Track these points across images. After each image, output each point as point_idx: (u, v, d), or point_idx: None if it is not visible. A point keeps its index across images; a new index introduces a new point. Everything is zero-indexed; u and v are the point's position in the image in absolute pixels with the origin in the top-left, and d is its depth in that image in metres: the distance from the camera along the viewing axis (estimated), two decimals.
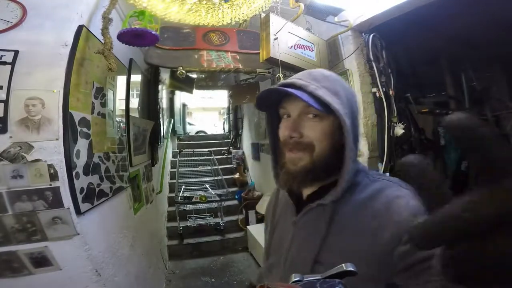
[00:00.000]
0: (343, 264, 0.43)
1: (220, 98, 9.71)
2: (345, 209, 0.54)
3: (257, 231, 3.23)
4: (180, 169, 4.33)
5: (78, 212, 1.19)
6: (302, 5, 1.57)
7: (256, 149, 4.26)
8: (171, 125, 5.28)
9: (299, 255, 0.58)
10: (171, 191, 4.26)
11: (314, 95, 0.52)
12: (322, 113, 0.53)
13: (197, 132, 9.10)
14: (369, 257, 0.49)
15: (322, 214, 0.56)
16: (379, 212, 0.51)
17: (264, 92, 0.59)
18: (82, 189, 1.24)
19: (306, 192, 0.61)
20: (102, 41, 1.25)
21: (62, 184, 1.14)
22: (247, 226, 3.44)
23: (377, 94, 1.92)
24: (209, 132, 9.12)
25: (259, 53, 1.66)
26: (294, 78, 0.57)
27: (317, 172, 0.56)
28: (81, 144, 1.27)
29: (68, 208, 1.15)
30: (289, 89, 0.53)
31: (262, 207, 3.29)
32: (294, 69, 1.77)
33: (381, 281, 0.49)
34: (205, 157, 4.87)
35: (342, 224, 0.54)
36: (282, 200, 0.71)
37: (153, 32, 1.31)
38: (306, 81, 0.55)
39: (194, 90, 2.83)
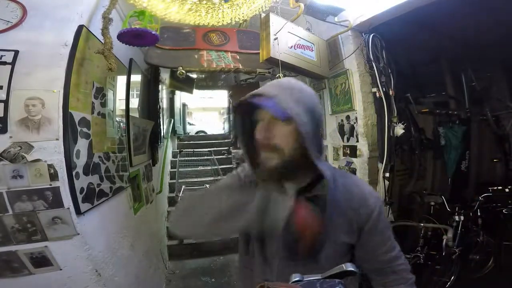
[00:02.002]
0: (343, 264, 0.43)
1: (220, 98, 9.72)
2: (329, 200, 0.64)
3: None
4: (180, 169, 4.32)
5: (78, 212, 1.19)
6: (302, 5, 1.57)
7: None
8: (171, 125, 5.28)
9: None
10: (171, 191, 4.25)
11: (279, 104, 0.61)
12: (287, 119, 0.62)
13: (197, 132, 9.10)
14: (348, 230, 0.69)
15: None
16: (352, 199, 0.69)
17: (239, 102, 0.69)
18: (82, 189, 1.24)
19: (294, 187, 0.68)
20: (102, 41, 1.25)
21: (62, 184, 1.14)
22: None
23: (377, 94, 1.92)
24: (209, 132, 9.12)
25: (259, 53, 1.66)
26: (264, 89, 0.66)
27: (288, 169, 0.65)
28: (81, 144, 1.27)
29: (68, 208, 1.15)
30: (257, 101, 0.64)
31: None
32: (294, 69, 1.77)
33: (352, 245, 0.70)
34: (205, 157, 4.87)
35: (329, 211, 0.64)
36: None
37: (153, 32, 1.31)
38: (273, 92, 0.63)
39: (194, 90, 2.83)
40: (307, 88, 0.69)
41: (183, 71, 1.78)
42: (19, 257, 1.13)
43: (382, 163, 1.95)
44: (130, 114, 1.95)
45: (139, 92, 2.29)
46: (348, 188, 0.70)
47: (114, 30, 1.28)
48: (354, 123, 1.98)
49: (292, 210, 0.61)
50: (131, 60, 2.00)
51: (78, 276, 1.24)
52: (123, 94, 1.88)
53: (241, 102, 0.68)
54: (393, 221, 2.09)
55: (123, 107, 1.90)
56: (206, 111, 13.91)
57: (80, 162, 1.26)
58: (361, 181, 0.79)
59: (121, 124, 1.84)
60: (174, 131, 5.66)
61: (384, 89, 1.93)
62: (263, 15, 1.59)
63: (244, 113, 0.72)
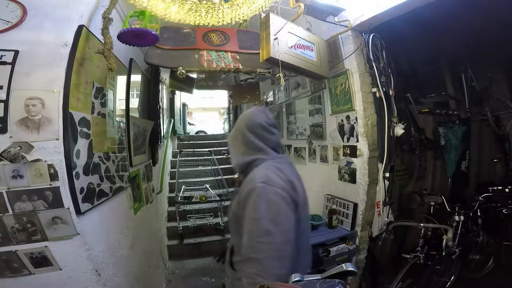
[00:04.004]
0: (343, 264, 0.43)
1: (220, 98, 9.72)
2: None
3: None
4: (180, 169, 4.32)
5: (78, 212, 1.19)
6: (302, 5, 1.57)
7: None
8: (171, 125, 5.27)
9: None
10: (171, 191, 4.25)
11: None
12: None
13: (197, 132, 9.10)
14: (237, 202, 0.93)
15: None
16: (247, 181, 0.94)
17: None
18: (82, 189, 1.24)
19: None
20: (102, 41, 1.25)
21: (62, 184, 1.14)
22: None
23: (377, 94, 1.92)
24: (209, 132, 9.12)
25: (259, 53, 1.66)
26: None
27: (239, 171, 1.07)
28: (81, 144, 1.27)
29: (68, 208, 1.15)
30: None
31: None
32: (294, 69, 1.77)
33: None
34: (205, 157, 4.86)
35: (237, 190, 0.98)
36: None
37: (153, 32, 1.31)
38: None
39: (194, 90, 2.83)
40: (246, 112, 1.12)
41: (183, 71, 1.78)
42: (19, 257, 1.13)
43: (382, 163, 1.95)
44: (130, 114, 1.95)
45: (139, 92, 2.29)
46: (251, 174, 0.95)
47: (114, 30, 1.28)
48: (354, 123, 1.98)
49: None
50: (131, 60, 2.00)
51: (78, 276, 1.24)
52: (123, 94, 1.88)
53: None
54: (393, 221, 2.09)
55: (123, 107, 1.90)
56: (206, 111, 13.91)
57: (80, 162, 1.26)
58: (263, 169, 0.93)
59: (121, 124, 1.84)
60: (174, 131, 5.66)
61: (384, 89, 1.93)
62: (263, 15, 1.59)
63: None
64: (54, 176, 1.12)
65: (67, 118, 1.16)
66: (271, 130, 1.05)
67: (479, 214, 2.37)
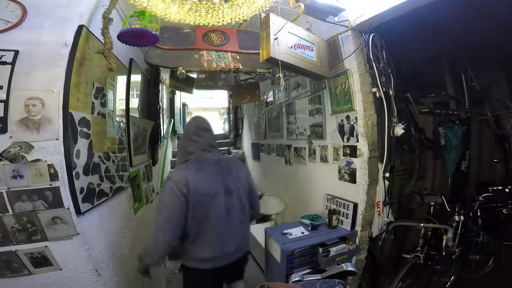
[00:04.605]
0: (343, 264, 0.43)
1: (220, 98, 9.71)
2: None
3: (257, 231, 3.23)
4: None
5: (78, 212, 1.19)
6: (302, 5, 1.57)
7: (256, 149, 4.26)
8: (171, 125, 5.27)
9: None
10: None
11: None
12: None
13: None
14: None
15: None
16: None
17: None
18: (82, 189, 1.24)
19: None
20: (102, 41, 1.25)
21: (62, 184, 1.14)
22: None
23: (377, 94, 1.91)
24: None
25: (259, 53, 1.66)
26: None
27: None
28: (81, 144, 1.27)
29: (68, 208, 1.15)
30: None
31: (262, 207, 3.28)
32: (294, 69, 1.77)
33: None
34: None
35: None
36: None
37: (153, 32, 1.31)
38: None
39: (194, 90, 2.82)
40: (196, 118, 1.54)
41: (183, 71, 1.78)
42: (19, 257, 1.14)
43: (382, 163, 1.95)
44: (130, 114, 1.95)
45: (139, 92, 2.29)
46: None
47: (114, 30, 1.28)
48: (354, 123, 1.98)
49: None
50: (131, 60, 2.00)
51: (78, 276, 1.24)
52: (123, 94, 1.88)
53: None
54: (393, 221, 2.09)
55: (123, 107, 1.90)
56: (206, 111, 13.90)
57: (80, 162, 1.26)
58: (175, 169, 1.44)
59: (121, 124, 1.84)
60: (174, 131, 5.65)
61: (384, 89, 1.92)
62: (263, 15, 1.59)
63: None
64: (54, 176, 1.12)
65: (67, 118, 1.16)
66: (200, 133, 1.43)
67: (479, 214, 2.37)
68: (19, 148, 1.07)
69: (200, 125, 1.46)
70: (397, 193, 2.53)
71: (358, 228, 2.01)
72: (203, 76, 2.93)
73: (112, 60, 1.20)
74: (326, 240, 1.91)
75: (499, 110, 3.02)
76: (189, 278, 1.44)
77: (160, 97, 3.28)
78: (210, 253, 1.34)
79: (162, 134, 3.81)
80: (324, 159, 2.38)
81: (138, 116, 2.22)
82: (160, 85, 3.07)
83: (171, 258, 1.62)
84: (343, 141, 2.12)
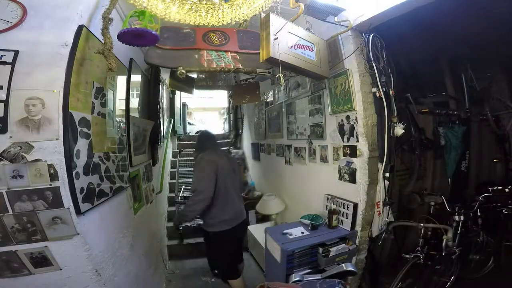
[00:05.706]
0: (343, 264, 0.43)
1: (220, 98, 9.70)
2: None
3: (257, 231, 3.23)
4: (180, 169, 4.32)
5: (78, 212, 1.19)
6: (302, 5, 1.57)
7: (256, 149, 4.26)
8: (171, 125, 5.28)
9: None
10: (171, 191, 4.26)
11: None
12: None
13: (197, 132, 9.08)
14: None
15: None
16: None
17: None
18: (82, 189, 1.24)
19: None
20: (102, 41, 1.25)
21: (62, 184, 1.14)
22: (247, 226, 3.44)
23: (377, 94, 1.91)
24: None
25: (259, 53, 1.66)
26: None
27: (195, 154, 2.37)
28: (81, 144, 1.27)
29: (68, 208, 1.15)
30: None
31: (262, 207, 3.29)
32: (294, 69, 1.77)
33: None
34: None
35: None
36: None
37: (153, 32, 1.31)
38: None
39: (194, 90, 2.82)
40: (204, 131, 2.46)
41: (183, 71, 1.78)
42: (19, 257, 1.14)
43: (382, 163, 1.95)
44: (130, 114, 1.95)
45: (139, 92, 2.29)
46: (201, 154, 2.19)
47: (114, 30, 1.28)
48: (354, 123, 1.98)
49: None
50: (131, 60, 2.00)
51: (78, 276, 1.24)
52: (123, 94, 1.88)
53: None
54: (393, 221, 2.09)
55: (123, 107, 1.90)
56: (206, 111, 13.89)
57: (80, 162, 1.26)
58: (205, 153, 2.17)
59: (121, 124, 1.84)
60: (174, 131, 5.66)
61: (384, 89, 1.92)
62: (263, 15, 1.59)
63: None
64: (54, 176, 1.12)
65: (67, 118, 1.16)
66: (212, 140, 2.35)
67: (479, 214, 2.37)
68: (19, 148, 1.07)
69: (212, 136, 2.41)
70: (397, 193, 2.54)
71: (358, 228, 2.01)
72: (203, 76, 2.93)
73: (112, 60, 1.20)
74: (326, 240, 1.91)
75: (499, 110, 3.02)
76: (216, 239, 2.10)
77: (160, 97, 3.29)
78: (229, 216, 2.08)
79: (162, 134, 3.81)
80: (324, 159, 2.38)
81: (138, 116, 2.22)
82: (160, 85, 3.07)
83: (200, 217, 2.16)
84: (343, 141, 2.12)
